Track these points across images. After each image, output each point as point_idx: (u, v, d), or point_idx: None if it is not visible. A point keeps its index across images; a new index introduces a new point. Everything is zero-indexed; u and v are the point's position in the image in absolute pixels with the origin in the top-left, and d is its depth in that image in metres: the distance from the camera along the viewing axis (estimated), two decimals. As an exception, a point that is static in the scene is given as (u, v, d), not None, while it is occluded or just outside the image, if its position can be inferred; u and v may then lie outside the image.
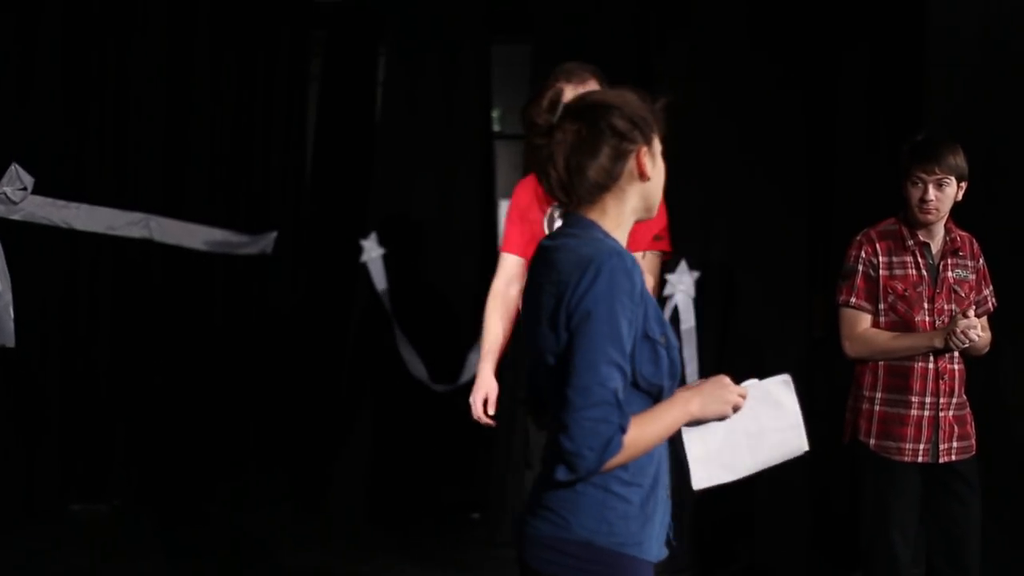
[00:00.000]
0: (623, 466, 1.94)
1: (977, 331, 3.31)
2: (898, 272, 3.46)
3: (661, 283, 4.78)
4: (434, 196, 5.91)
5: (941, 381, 3.43)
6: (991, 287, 3.59)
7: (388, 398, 5.82)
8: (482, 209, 5.96)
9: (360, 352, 5.91)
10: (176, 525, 5.44)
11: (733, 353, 4.99)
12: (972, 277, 3.52)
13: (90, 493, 5.62)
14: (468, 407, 3.44)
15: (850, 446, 3.56)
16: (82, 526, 5.37)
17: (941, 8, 4.56)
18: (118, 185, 5.67)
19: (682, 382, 2.11)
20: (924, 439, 3.42)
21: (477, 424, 3.46)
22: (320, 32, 6.53)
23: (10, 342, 4.84)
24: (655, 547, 2.03)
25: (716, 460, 2.08)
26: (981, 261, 3.56)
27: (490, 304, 3.50)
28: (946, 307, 3.44)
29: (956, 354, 3.44)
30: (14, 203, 4.98)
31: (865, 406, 3.50)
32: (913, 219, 3.45)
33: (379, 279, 5.81)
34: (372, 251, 5.81)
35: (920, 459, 3.43)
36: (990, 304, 3.59)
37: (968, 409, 3.52)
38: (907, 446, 3.42)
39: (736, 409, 2.06)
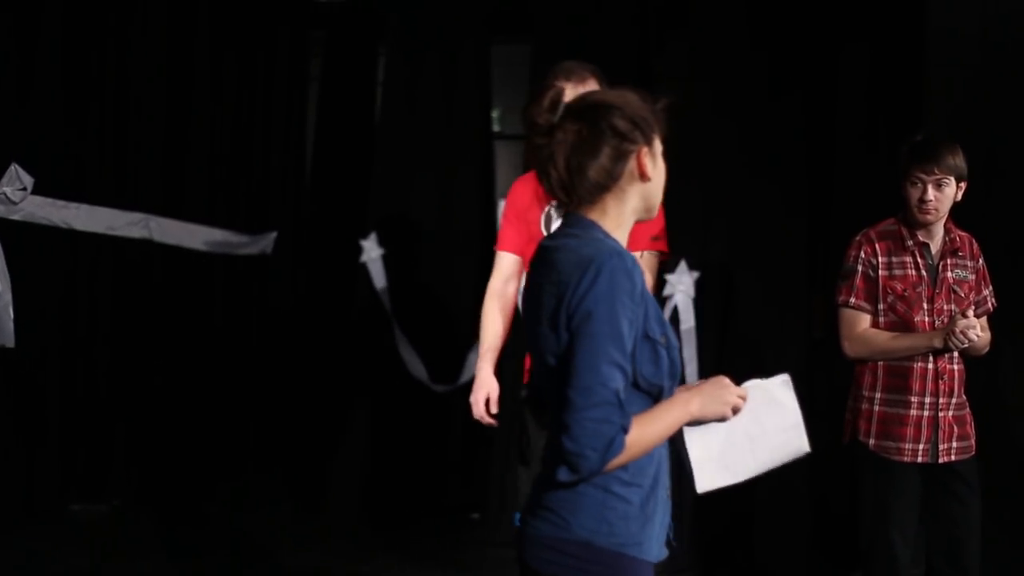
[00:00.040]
0: (623, 466, 1.94)
1: (976, 331, 3.31)
2: (897, 272, 3.46)
3: (660, 283, 4.79)
4: (434, 196, 5.91)
5: (940, 381, 3.43)
6: (991, 287, 3.60)
7: (388, 398, 5.82)
8: (482, 209, 5.96)
9: (360, 352, 5.91)
10: (176, 525, 5.44)
11: (733, 353, 4.99)
12: (972, 277, 3.52)
13: (90, 493, 5.62)
14: (468, 407, 3.43)
15: (850, 446, 3.56)
16: (82, 526, 5.37)
17: (941, 8, 4.56)
18: (118, 185, 5.67)
19: (682, 382, 2.11)
20: (924, 439, 3.42)
21: (477, 424, 3.45)
22: (320, 32, 6.52)
23: (10, 342, 4.85)
24: (655, 547, 2.03)
25: (718, 463, 2.08)
26: (981, 261, 3.56)
27: (487, 303, 3.49)
28: (945, 307, 3.44)
29: (956, 354, 3.44)
30: (14, 203, 4.98)
31: (864, 406, 3.50)
32: (912, 219, 3.45)
33: (379, 279, 5.81)
34: (372, 251, 5.81)
35: (920, 459, 3.43)
36: (990, 304, 3.60)
37: (968, 409, 3.52)
38: (906, 446, 3.42)
39: (736, 410, 2.06)
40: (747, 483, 2.13)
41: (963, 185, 3.43)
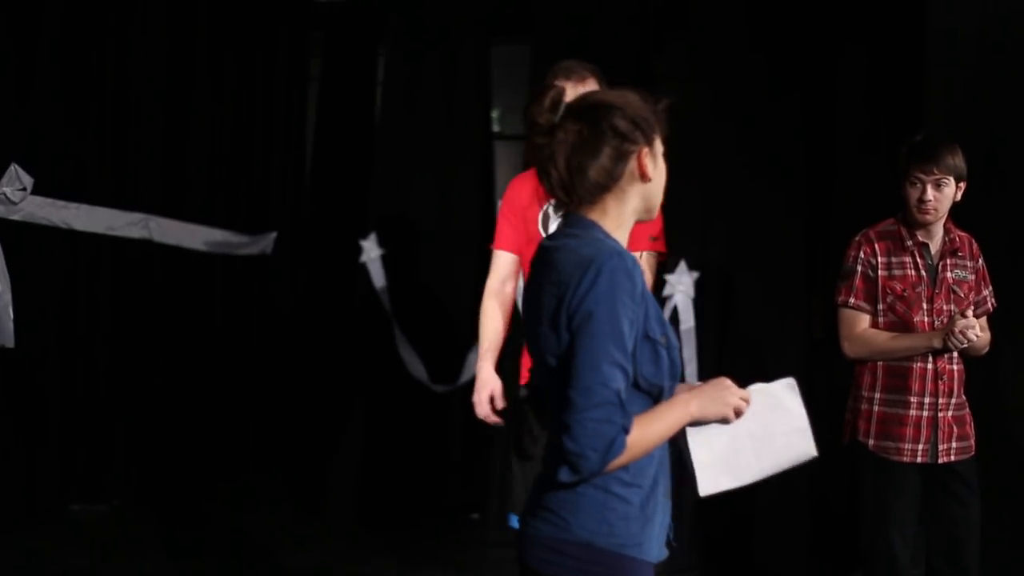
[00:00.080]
0: (623, 467, 1.94)
1: (975, 331, 3.31)
2: (897, 272, 3.46)
3: (660, 283, 4.79)
4: (434, 196, 5.91)
5: (940, 381, 3.43)
6: (990, 287, 3.60)
7: (387, 398, 5.82)
8: (482, 209, 5.96)
9: (359, 352, 5.91)
10: (176, 525, 5.44)
11: (732, 354, 4.99)
12: (971, 277, 3.52)
13: (90, 493, 5.62)
14: (468, 407, 3.42)
15: (849, 446, 3.56)
16: (82, 526, 5.37)
17: (940, 9, 4.56)
18: (118, 185, 5.67)
19: (681, 380, 2.11)
20: (923, 439, 3.42)
21: (476, 424, 3.44)
22: (319, 32, 6.53)
23: (9, 342, 4.86)
24: (655, 548, 2.03)
25: (722, 466, 2.06)
26: (980, 261, 3.57)
27: (486, 302, 3.47)
28: (945, 307, 3.44)
29: (955, 354, 3.44)
30: (14, 203, 4.99)
31: (864, 406, 3.50)
32: (912, 219, 3.45)
33: (378, 279, 5.81)
34: (371, 251, 5.81)
35: (919, 459, 3.43)
36: (989, 304, 3.60)
37: (967, 409, 3.52)
38: (906, 446, 3.42)
39: (738, 412, 2.05)
40: (748, 485, 2.13)
41: (962, 185, 3.43)
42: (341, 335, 6.09)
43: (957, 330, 3.29)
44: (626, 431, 1.89)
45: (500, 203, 3.61)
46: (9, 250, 4.93)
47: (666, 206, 2.13)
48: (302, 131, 6.65)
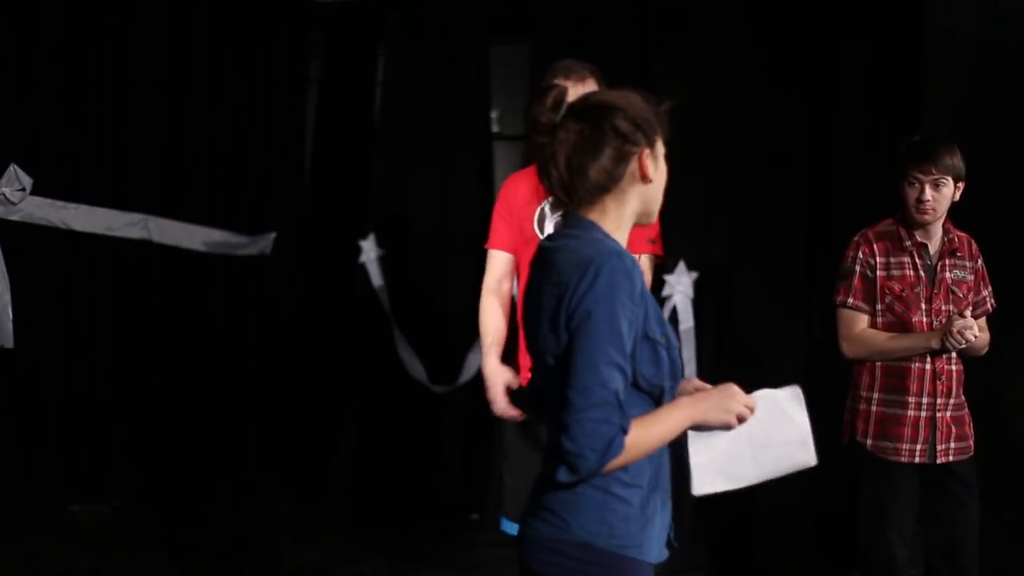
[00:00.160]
0: (623, 468, 1.94)
1: (974, 331, 3.30)
2: (895, 273, 3.46)
3: (659, 284, 4.79)
4: (433, 197, 5.91)
5: (938, 382, 3.43)
6: (990, 288, 3.60)
7: (387, 399, 5.82)
8: (481, 210, 5.94)
9: (359, 353, 5.91)
10: (176, 525, 5.44)
11: (732, 354, 4.99)
12: (970, 278, 3.52)
13: (89, 494, 5.62)
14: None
15: (848, 447, 3.56)
16: (82, 526, 5.36)
17: (939, 9, 4.56)
18: (117, 186, 5.67)
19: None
20: (921, 440, 3.42)
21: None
22: (319, 33, 6.53)
23: (9, 343, 4.86)
24: (655, 549, 2.04)
25: (718, 468, 2.07)
26: (980, 262, 3.57)
27: (485, 300, 3.43)
28: (944, 308, 3.44)
29: (954, 355, 3.44)
30: (13, 204, 5.00)
31: (862, 407, 3.51)
32: (910, 219, 3.45)
33: (377, 280, 5.81)
34: (371, 252, 5.81)
35: (917, 459, 3.43)
36: (989, 305, 3.60)
37: (966, 410, 3.52)
38: (904, 447, 3.42)
39: (741, 419, 2.04)
40: (744, 488, 2.13)
41: (961, 185, 3.43)
42: (340, 335, 6.09)
43: (955, 330, 3.29)
44: (624, 431, 1.89)
45: (496, 201, 3.59)
46: (8, 250, 4.93)
47: (665, 206, 2.13)
48: (302, 131, 6.64)
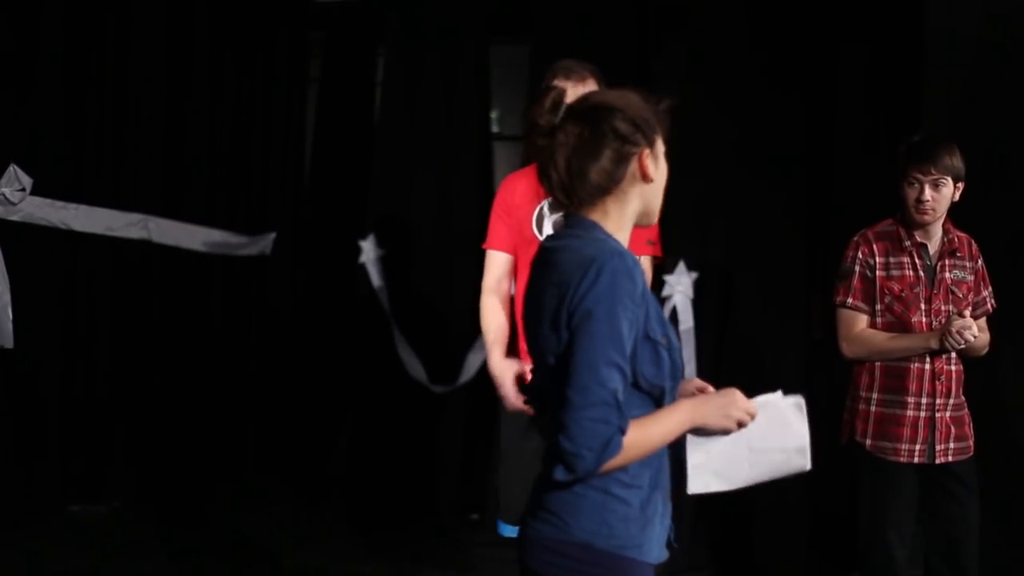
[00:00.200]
0: (623, 468, 1.94)
1: (973, 332, 3.31)
2: (895, 273, 3.46)
3: (658, 285, 4.79)
4: (433, 197, 5.91)
5: (938, 382, 3.43)
6: (990, 288, 3.60)
7: (386, 399, 5.82)
8: (481, 210, 5.92)
9: (359, 353, 5.91)
10: (176, 525, 5.43)
11: (732, 354, 5.00)
12: (970, 278, 3.52)
13: (89, 494, 5.62)
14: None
15: (848, 447, 3.56)
16: (82, 526, 5.36)
17: (940, 9, 4.56)
18: (117, 186, 5.67)
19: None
20: (920, 440, 3.42)
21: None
22: (319, 33, 6.53)
23: (9, 343, 4.86)
24: (655, 549, 2.04)
25: (714, 469, 2.08)
26: (980, 262, 3.57)
27: (485, 299, 3.41)
28: (943, 308, 3.44)
29: (953, 355, 3.45)
30: (13, 204, 5.00)
31: (862, 407, 3.51)
32: (910, 220, 3.46)
33: (377, 280, 5.81)
34: (370, 252, 5.81)
35: (916, 460, 3.43)
36: (989, 305, 3.60)
37: (966, 410, 3.52)
38: (903, 447, 3.42)
39: (741, 425, 2.05)
40: (738, 489, 2.13)
41: (960, 185, 3.43)
42: (340, 336, 6.09)
43: (954, 331, 3.29)
44: (622, 432, 1.89)
45: (494, 201, 3.58)
46: (8, 251, 4.93)
47: (665, 206, 2.13)
48: (301, 132, 6.64)
